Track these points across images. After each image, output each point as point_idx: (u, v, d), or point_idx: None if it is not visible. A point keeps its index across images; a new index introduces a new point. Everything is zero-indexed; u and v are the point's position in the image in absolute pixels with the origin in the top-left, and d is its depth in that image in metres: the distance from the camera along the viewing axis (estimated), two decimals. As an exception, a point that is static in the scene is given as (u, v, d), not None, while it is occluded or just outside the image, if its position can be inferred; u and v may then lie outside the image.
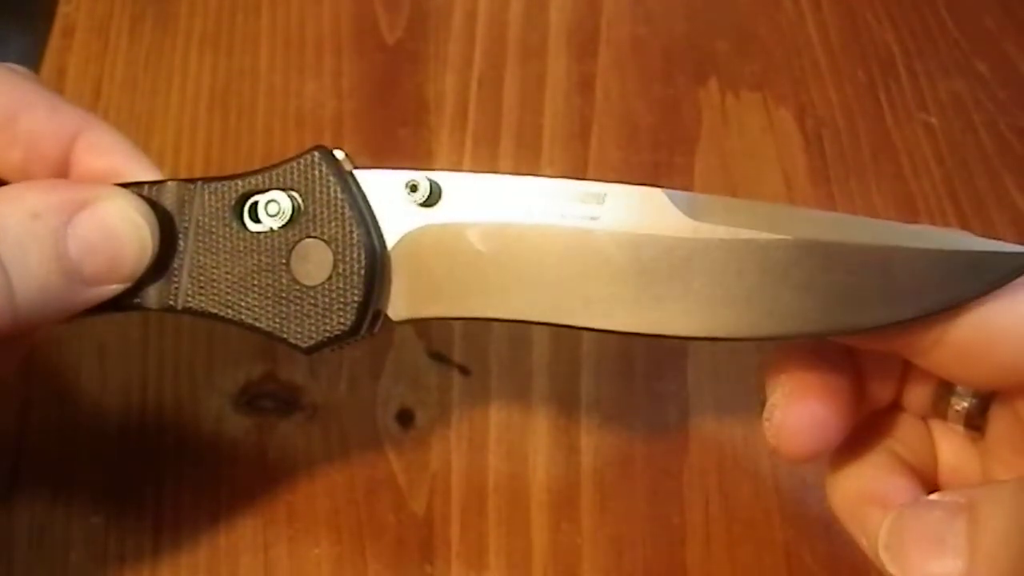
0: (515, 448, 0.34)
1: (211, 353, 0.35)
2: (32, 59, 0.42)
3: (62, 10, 0.44)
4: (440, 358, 0.35)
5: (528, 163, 0.40)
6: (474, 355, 0.35)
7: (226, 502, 0.32)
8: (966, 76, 0.42)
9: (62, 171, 0.27)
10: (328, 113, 0.41)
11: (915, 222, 0.38)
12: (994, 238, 0.22)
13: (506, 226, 0.24)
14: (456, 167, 0.40)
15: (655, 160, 0.40)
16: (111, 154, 0.27)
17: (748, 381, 0.35)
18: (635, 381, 0.35)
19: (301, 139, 0.40)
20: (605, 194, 0.23)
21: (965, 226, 0.38)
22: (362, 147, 0.40)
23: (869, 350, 0.25)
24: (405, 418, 0.34)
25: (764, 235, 0.22)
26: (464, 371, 0.35)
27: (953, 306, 0.22)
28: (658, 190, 0.23)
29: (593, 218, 0.23)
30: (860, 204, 0.39)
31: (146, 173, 0.27)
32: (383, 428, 0.34)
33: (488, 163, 0.40)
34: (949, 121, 0.41)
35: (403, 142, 0.40)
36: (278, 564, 0.32)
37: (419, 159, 0.40)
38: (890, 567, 0.23)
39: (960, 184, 0.39)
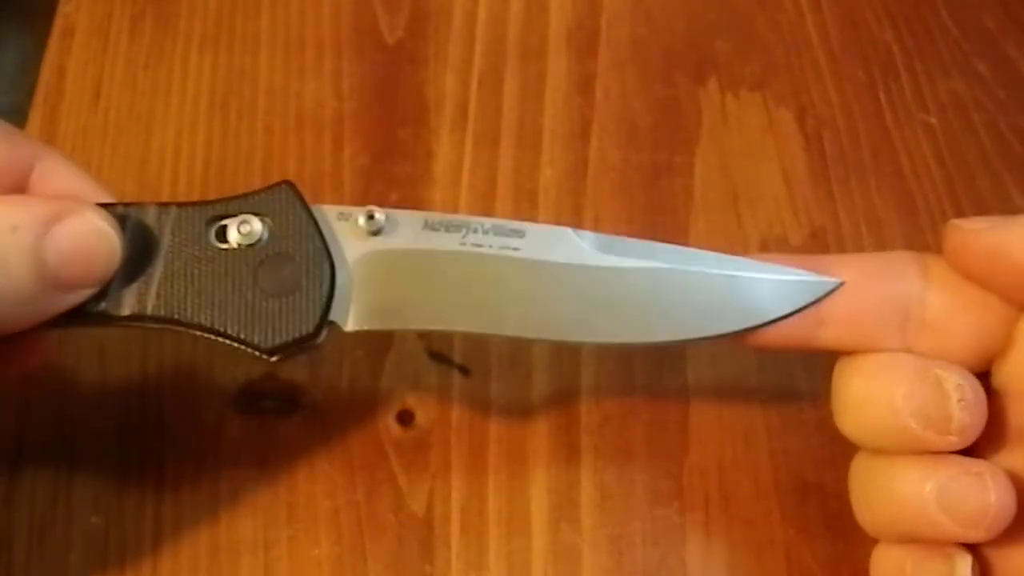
0: (515, 448, 0.34)
1: (211, 353, 0.35)
2: (32, 59, 0.42)
3: (62, 10, 0.44)
4: (440, 358, 0.35)
5: (528, 163, 0.40)
6: (474, 355, 0.35)
7: (226, 502, 0.32)
8: (966, 76, 0.42)
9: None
10: (328, 113, 0.41)
11: (915, 222, 0.38)
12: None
13: (443, 253, 0.28)
14: (456, 167, 0.40)
15: (655, 160, 0.40)
16: (67, 178, 0.29)
17: (748, 381, 0.35)
18: (635, 381, 0.35)
19: (301, 139, 0.40)
20: (525, 231, 0.29)
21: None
22: (362, 147, 0.40)
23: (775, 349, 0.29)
24: (405, 418, 0.34)
25: (645, 264, 0.29)
26: (464, 371, 0.35)
27: (784, 317, 0.28)
28: (568, 229, 0.29)
29: (515, 249, 0.28)
30: (860, 204, 0.39)
31: (100, 197, 0.29)
32: (383, 428, 0.34)
33: (488, 163, 0.40)
34: (949, 121, 0.41)
35: (403, 142, 0.40)
36: (278, 564, 0.32)
37: (419, 159, 0.40)
38: None
39: (960, 184, 0.39)
